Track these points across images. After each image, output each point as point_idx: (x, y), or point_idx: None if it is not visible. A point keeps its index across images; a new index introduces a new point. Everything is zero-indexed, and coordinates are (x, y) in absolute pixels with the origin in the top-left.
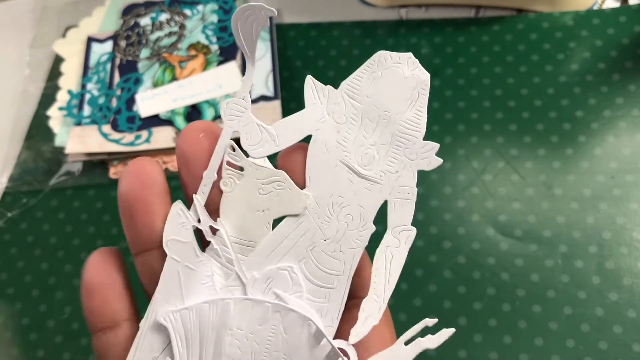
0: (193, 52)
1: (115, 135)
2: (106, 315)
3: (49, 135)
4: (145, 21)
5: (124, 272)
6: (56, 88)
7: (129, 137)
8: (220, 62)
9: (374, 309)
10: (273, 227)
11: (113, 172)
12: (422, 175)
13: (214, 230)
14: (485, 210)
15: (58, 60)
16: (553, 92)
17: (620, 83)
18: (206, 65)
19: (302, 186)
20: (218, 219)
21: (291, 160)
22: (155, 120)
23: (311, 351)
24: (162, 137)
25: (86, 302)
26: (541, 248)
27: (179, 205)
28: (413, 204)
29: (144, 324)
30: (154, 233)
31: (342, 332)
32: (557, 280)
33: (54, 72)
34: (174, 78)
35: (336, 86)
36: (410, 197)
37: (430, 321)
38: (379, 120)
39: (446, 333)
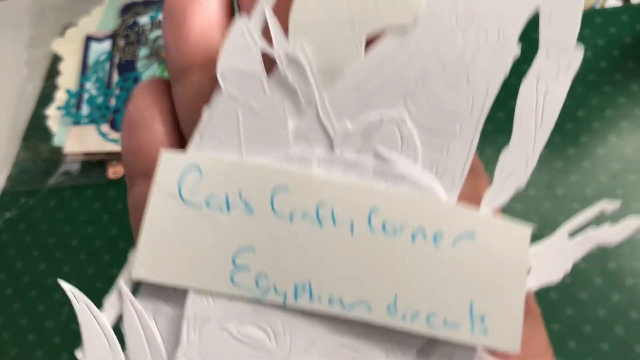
0: None
1: (114, 135)
2: (152, 157)
3: (47, 135)
4: (144, 20)
5: (173, 109)
6: (54, 87)
7: None
8: None
9: (519, 163)
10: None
11: (112, 172)
12: None
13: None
14: None
15: (56, 59)
16: None
17: (623, 82)
18: None
19: None
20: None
21: None
22: None
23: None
24: None
25: (127, 140)
26: None
27: (244, 20)
28: (579, 14)
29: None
30: (208, 45)
31: (465, 201)
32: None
33: (52, 72)
34: None
35: None
36: (576, 3)
37: (609, 205)
38: None
39: (634, 223)
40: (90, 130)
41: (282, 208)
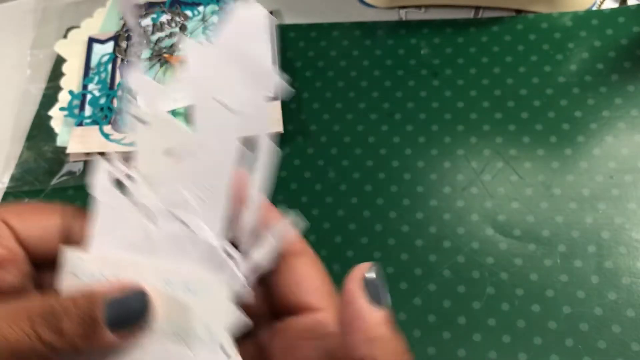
0: None
1: (117, 136)
2: None
3: (51, 135)
4: (146, 22)
5: None
6: (57, 88)
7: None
8: None
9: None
10: None
11: None
12: (422, 175)
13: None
14: (484, 210)
15: (59, 60)
16: (552, 93)
17: (619, 83)
18: None
19: None
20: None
21: None
22: None
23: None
24: None
25: None
26: (540, 248)
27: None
28: None
29: None
30: None
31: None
32: (556, 279)
33: (55, 73)
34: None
35: (338, 88)
36: None
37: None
38: None
39: (270, 243)
40: (93, 131)
41: None
